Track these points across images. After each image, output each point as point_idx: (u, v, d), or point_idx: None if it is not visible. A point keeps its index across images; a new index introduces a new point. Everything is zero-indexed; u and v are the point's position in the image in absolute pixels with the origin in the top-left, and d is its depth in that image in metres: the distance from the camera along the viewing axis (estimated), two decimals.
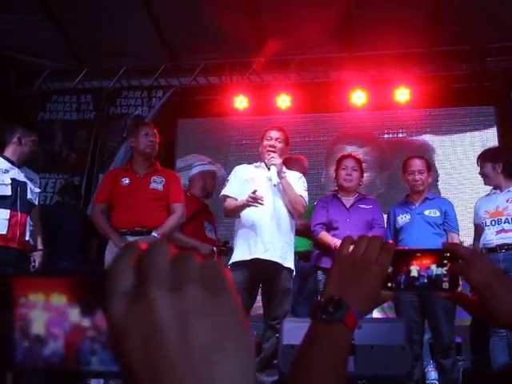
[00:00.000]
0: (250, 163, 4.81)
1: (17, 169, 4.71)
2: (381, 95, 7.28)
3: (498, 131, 7.17)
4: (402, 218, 4.93)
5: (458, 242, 4.77)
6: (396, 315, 4.97)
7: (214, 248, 4.99)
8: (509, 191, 4.90)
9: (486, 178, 5.04)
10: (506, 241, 4.73)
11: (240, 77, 7.38)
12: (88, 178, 7.10)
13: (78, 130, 7.36)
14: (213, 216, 5.18)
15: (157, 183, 4.72)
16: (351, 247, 1.06)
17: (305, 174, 5.43)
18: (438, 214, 4.86)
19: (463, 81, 7.16)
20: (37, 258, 4.68)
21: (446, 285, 1.04)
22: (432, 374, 4.90)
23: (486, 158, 5.07)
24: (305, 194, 4.61)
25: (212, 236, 5.21)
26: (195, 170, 5.61)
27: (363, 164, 5.30)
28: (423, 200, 4.93)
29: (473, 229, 5.14)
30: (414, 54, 6.95)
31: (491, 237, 4.79)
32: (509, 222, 4.77)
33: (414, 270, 1.05)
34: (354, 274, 1.02)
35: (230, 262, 4.48)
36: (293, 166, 5.20)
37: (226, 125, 7.58)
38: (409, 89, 7.16)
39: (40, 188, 5.01)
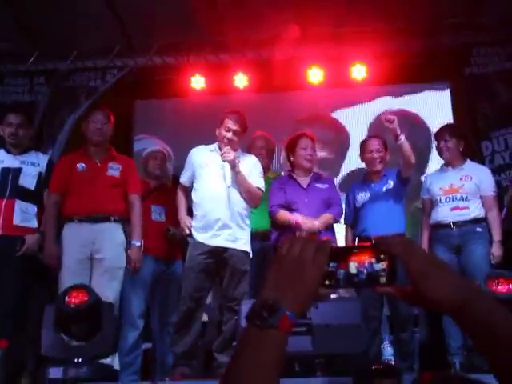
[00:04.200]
0: (207, 144, 4.81)
1: (11, 155, 4.78)
2: (337, 73, 7.29)
3: (452, 108, 7.24)
4: (362, 197, 4.99)
5: None
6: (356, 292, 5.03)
7: None
8: (461, 169, 5.00)
9: (447, 153, 5.04)
10: (460, 218, 4.84)
11: (196, 56, 7.31)
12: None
13: (31, 112, 7.21)
14: (165, 198, 5.16)
15: (114, 170, 4.76)
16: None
17: (272, 152, 5.48)
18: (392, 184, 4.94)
19: (419, 57, 7.15)
20: (28, 240, 4.62)
21: (383, 280, 1.05)
22: (388, 350, 5.00)
23: (453, 133, 5.08)
24: (261, 182, 4.66)
25: (161, 219, 5.17)
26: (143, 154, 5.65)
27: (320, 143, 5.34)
28: (381, 178, 5.00)
29: None
30: (371, 31, 6.93)
31: (446, 213, 4.88)
32: (463, 200, 4.87)
33: (353, 267, 1.05)
34: (290, 275, 1.02)
35: (191, 242, 4.54)
36: (259, 143, 5.26)
37: (184, 105, 7.53)
38: (365, 66, 7.19)
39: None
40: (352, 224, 5.08)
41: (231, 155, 4.47)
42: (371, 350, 4.52)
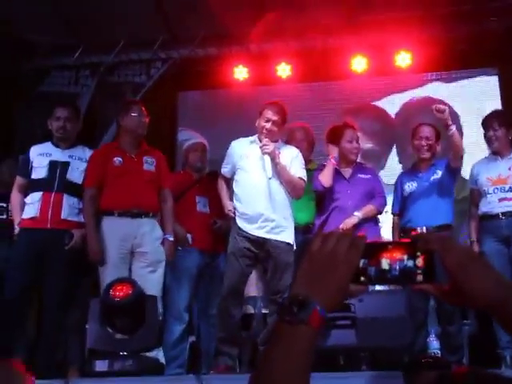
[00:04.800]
0: (247, 136, 4.80)
1: (59, 149, 4.81)
2: (381, 60, 7.18)
3: (501, 94, 7.05)
4: (409, 186, 4.90)
5: None
6: None
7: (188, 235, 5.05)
8: (510, 158, 4.85)
9: (496, 142, 4.87)
10: (509, 208, 4.71)
11: (239, 47, 7.28)
12: None
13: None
14: (207, 189, 5.19)
15: (149, 164, 4.79)
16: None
17: (312, 143, 5.42)
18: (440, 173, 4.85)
19: (465, 43, 6.97)
20: (76, 234, 4.64)
21: (419, 278, 1.03)
22: (434, 343, 4.90)
23: (502, 121, 4.91)
24: (303, 173, 4.63)
25: (205, 210, 5.22)
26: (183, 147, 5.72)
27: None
28: (429, 167, 4.90)
29: None
30: (415, 17, 6.79)
31: (494, 204, 4.75)
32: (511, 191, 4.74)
33: (385, 263, 1.04)
34: (321, 271, 1.01)
35: (234, 228, 4.55)
36: (298, 135, 5.21)
37: (227, 96, 7.53)
38: (410, 53, 7.05)
39: None
40: (400, 214, 4.99)
41: (270, 147, 4.46)
42: (417, 343, 4.46)
